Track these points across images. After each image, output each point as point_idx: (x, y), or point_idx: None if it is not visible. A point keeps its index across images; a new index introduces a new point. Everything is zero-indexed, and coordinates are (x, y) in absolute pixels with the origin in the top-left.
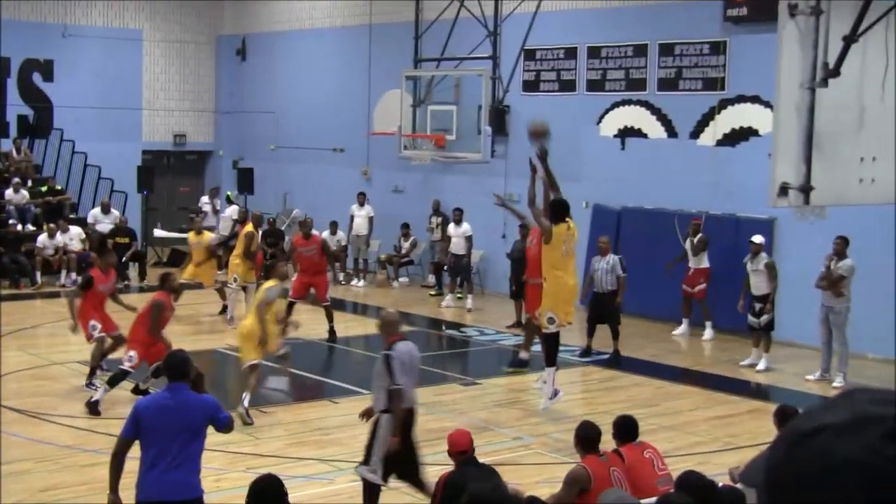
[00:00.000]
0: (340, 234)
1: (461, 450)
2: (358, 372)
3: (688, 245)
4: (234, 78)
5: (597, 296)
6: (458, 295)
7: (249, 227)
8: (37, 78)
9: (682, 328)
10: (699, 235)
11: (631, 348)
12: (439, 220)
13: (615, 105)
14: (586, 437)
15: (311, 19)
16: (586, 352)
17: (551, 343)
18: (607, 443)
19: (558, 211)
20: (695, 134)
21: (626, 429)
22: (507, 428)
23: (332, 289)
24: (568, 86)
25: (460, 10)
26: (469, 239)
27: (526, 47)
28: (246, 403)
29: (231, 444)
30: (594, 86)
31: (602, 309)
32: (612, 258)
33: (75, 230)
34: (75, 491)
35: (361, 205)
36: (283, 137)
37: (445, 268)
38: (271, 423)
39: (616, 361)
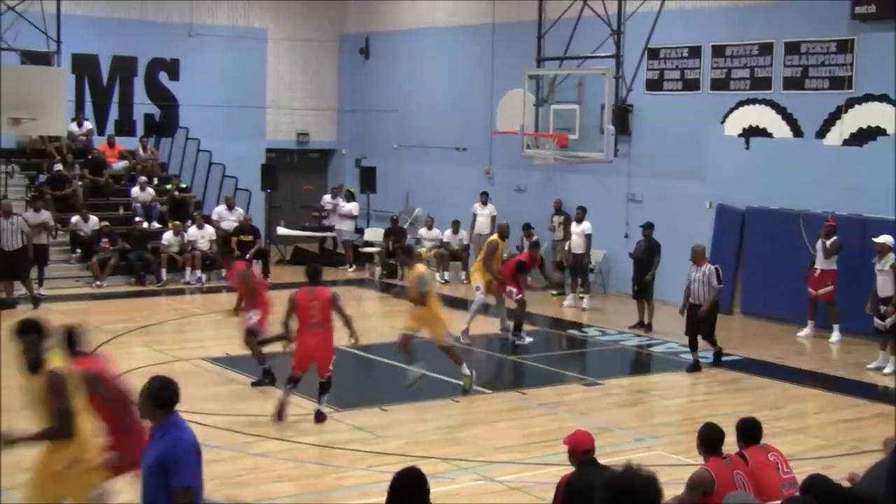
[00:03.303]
0: (462, 234)
1: (585, 450)
2: (479, 371)
3: (818, 246)
4: (358, 76)
5: (693, 307)
6: (580, 295)
7: (495, 237)
8: (163, 77)
9: (808, 330)
10: (833, 238)
11: (754, 350)
12: (561, 219)
13: (740, 104)
14: (709, 438)
15: (434, 18)
16: (695, 365)
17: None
18: (730, 445)
19: None
20: (821, 133)
21: (750, 431)
22: (628, 429)
23: (453, 287)
24: (692, 85)
25: (583, 8)
26: (588, 237)
27: (650, 46)
28: (466, 371)
29: (353, 443)
30: (718, 85)
31: (698, 320)
32: (707, 268)
33: (208, 229)
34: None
35: (484, 204)
36: (405, 136)
37: (567, 267)
38: (394, 422)
39: (718, 362)
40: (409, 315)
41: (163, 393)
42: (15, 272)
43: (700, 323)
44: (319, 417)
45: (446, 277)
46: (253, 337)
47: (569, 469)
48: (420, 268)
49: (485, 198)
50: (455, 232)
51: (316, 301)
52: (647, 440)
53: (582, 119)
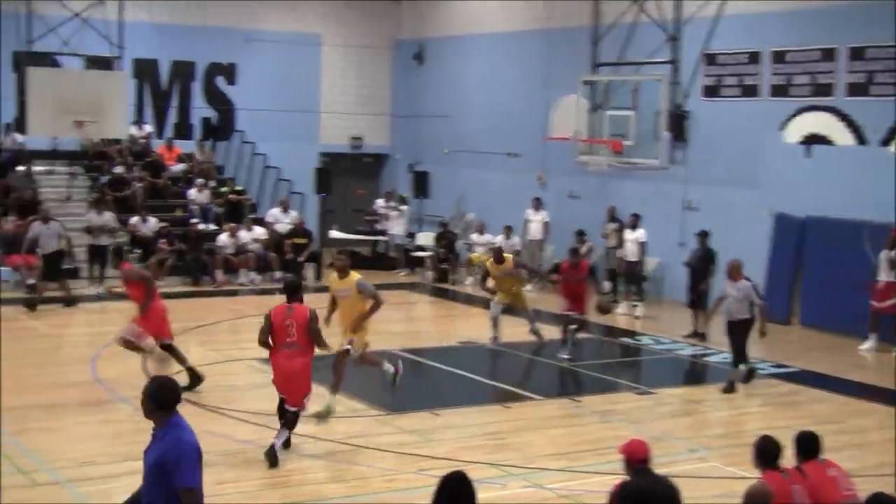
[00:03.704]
0: (515, 239)
1: (641, 458)
2: (530, 377)
3: (882, 257)
4: (411, 82)
5: (730, 325)
6: (634, 303)
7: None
8: (220, 81)
9: (870, 343)
10: None
11: (813, 362)
12: (615, 226)
13: (800, 111)
14: (766, 451)
15: (487, 24)
16: (749, 374)
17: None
18: (787, 459)
19: None
20: (886, 141)
21: (809, 445)
22: (682, 439)
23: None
24: (750, 91)
25: (639, 13)
26: (643, 245)
27: (707, 51)
28: (387, 367)
29: (403, 446)
30: (778, 91)
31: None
32: (744, 284)
33: (257, 231)
34: (250, 485)
35: (537, 210)
36: (458, 141)
37: (620, 275)
38: (444, 426)
39: (750, 377)
40: (344, 324)
41: (162, 393)
42: (54, 274)
43: (742, 337)
44: (271, 456)
45: None
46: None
47: (621, 478)
48: (356, 275)
49: (537, 203)
50: (507, 237)
51: (292, 320)
52: (700, 451)
53: (637, 125)
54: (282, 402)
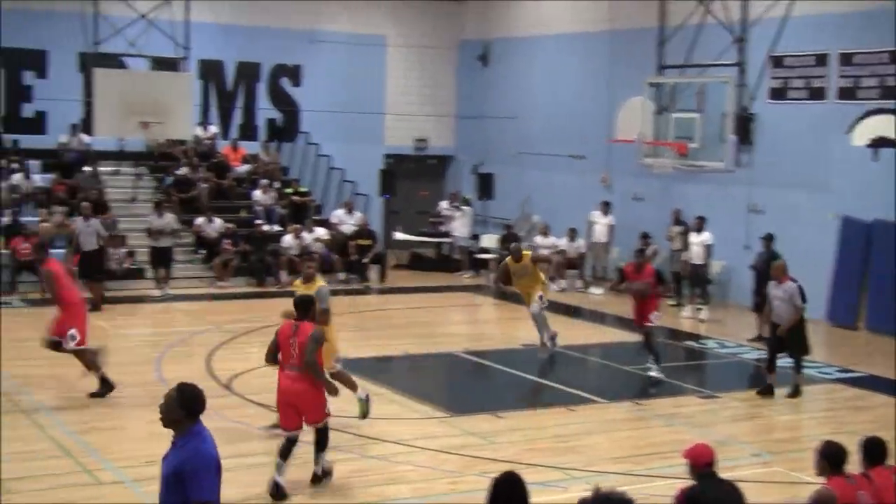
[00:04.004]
0: (579, 242)
1: (705, 463)
2: (594, 380)
3: None
4: (476, 83)
5: (775, 326)
6: (699, 306)
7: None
8: (285, 82)
9: None
10: None
11: (880, 367)
12: (680, 229)
13: (868, 114)
14: (832, 456)
15: (553, 25)
16: (768, 389)
17: None
18: (853, 465)
19: None
20: None
21: (875, 451)
22: (746, 444)
23: (569, 295)
24: (817, 94)
25: (706, 15)
26: (708, 248)
27: (774, 53)
28: (361, 395)
29: (466, 448)
30: (846, 94)
31: (781, 341)
32: (789, 286)
33: (318, 232)
34: (313, 486)
35: (605, 213)
36: (522, 143)
37: (685, 278)
38: (508, 429)
39: (796, 393)
40: None
41: (193, 401)
42: (90, 272)
43: (782, 342)
44: (316, 479)
45: (563, 285)
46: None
47: (685, 482)
48: (320, 282)
49: (606, 207)
50: (571, 240)
51: (296, 339)
52: (764, 456)
53: (702, 128)
54: (287, 445)
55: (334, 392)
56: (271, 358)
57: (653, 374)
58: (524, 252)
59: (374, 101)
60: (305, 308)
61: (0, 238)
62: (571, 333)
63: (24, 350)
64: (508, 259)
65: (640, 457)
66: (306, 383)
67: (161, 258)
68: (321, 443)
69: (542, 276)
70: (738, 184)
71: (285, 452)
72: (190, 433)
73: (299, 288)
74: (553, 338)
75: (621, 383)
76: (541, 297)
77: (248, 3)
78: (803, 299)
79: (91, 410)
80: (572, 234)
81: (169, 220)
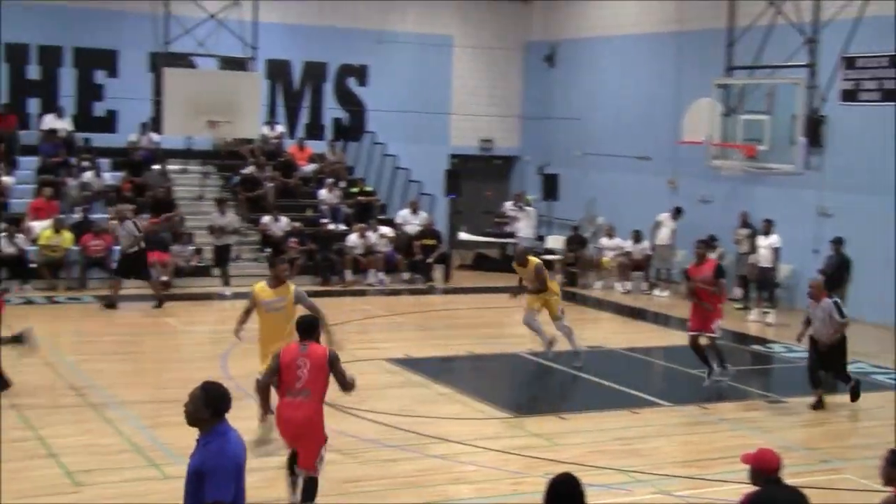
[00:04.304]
0: (644, 244)
1: (773, 468)
2: (659, 383)
3: None
4: (542, 84)
5: (814, 342)
6: (766, 310)
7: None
8: (351, 82)
9: None
10: None
11: None
12: (747, 231)
13: None
14: None
15: (620, 26)
16: (819, 403)
17: None
18: None
19: None
20: None
21: None
22: (813, 450)
23: (634, 298)
24: (890, 95)
25: (776, 16)
26: (776, 251)
27: (846, 55)
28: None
29: (530, 449)
30: None
31: (821, 357)
32: (826, 303)
33: (382, 231)
34: (377, 485)
35: (674, 219)
36: (588, 144)
37: (752, 281)
38: (571, 430)
39: (856, 397)
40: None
41: (220, 402)
42: (133, 272)
43: (824, 360)
44: None
45: (628, 287)
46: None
47: (750, 488)
48: (291, 286)
49: (677, 213)
50: (636, 241)
51: (306, 359)
52: (833, 462)
53: (772, 130)
54: (293, 457)
55: (350, 387)
56: (266, 382)
57: (715, 377)
58: (530, 258)
59: (440, 101)
60: (312, 328)
61: (71, 235)
62: (636, 336)
63: (94, 345)
64: (514, 262)
65: (704, 461)
66: (310, 411)
67: (221, 256)
68: (310, 492)
69: (555, 285)
70: (807, 187)
71: (309, 495)
72: (214, 432)
73: (264, 292)
74: (552, 343)
75: (686, 387)
76: (561, 311)
77: (315, 3)
78: (841, 314)
79: (160, 406)
80: (637, 236)
81: (231, 218)
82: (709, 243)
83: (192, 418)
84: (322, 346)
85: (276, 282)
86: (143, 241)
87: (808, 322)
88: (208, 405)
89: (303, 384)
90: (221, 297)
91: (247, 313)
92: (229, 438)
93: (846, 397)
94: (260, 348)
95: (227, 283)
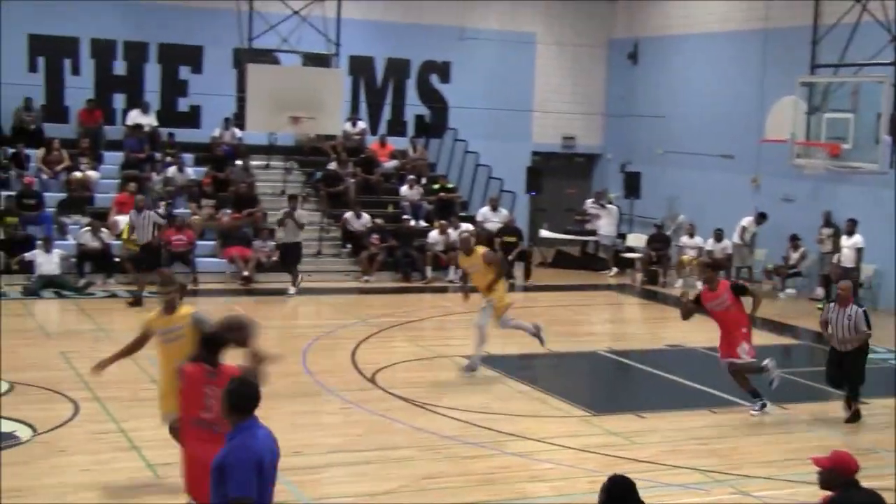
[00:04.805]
0: (726, 243)
1: (852, 471)
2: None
3: None
4: (625, 81)
5: (835, 353)
6: None
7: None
8: (434, 79)
9: None
10: None
11: None
12: (830, 231)
13: None
14: None
15: (704, 23)
16: (856, 415)
17: None
18: None
19: None
20: None
21: None
22: (891, 451)
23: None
24: None
25: (862, 13)
26: (859, 251)
27: None
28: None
29: (608, 448)
30: None
31: (840, 368)
32: (853, 310)
33: (463, 228)
34: (454, 481)
35: (757, 223)
36: (671, 142)
37: (834, 282)
38: (649, 429)
39: (856, 418)
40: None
41: (238, 396)
42: (147, 265)
43: (846, 369)
44: None
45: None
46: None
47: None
48: (186, 308)
49: (761, 218)
50: (718, 241)
51: (214, 386)
52: None
53: (856, 128)
54: None
55: None
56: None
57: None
58: (475, 247)
59: (522, 98)
60: (216, 345)
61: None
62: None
63: None
64: (459, 251)
65: (783, 462)
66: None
67: (291, 253)
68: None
69: (500, 284)
70: (891, 186)
71: None
72: (239, 429)
73: (158, 321)
74: (538, 329)
75: (765, 386)
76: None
77: (398, 1)
78: (868, 324)
79: None
80: (719, 235)
81: (301, 214)
82: (716, 265)
83: (222, 412)
84: (233, 367)
85: (168, 308)
86: (160, 230)
87: (826, 325)
88: (227, 398)
89: (212, 415)
90: (286, 293)
91: (135, 345)
92: (254, 434)
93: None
94: (160, 387)
95: (294, 282)
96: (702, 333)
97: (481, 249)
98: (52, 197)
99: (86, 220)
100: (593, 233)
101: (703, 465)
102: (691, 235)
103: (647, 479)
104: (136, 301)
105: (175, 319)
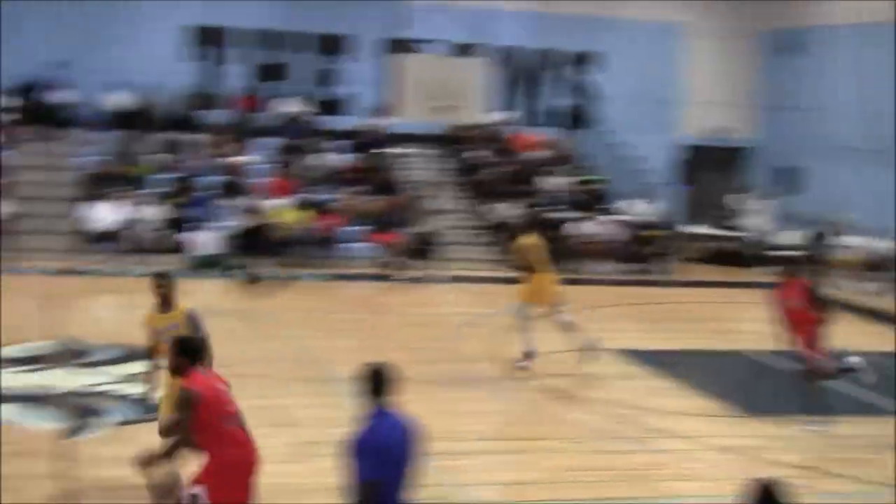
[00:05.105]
0: (888, 242)
1: None
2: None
3: None
4: (781, 73)
5: None
6: None
7: None
8: (582, 70)
9: None
10: None
11: None
12: None
13: None
14: None
15: (862, 13)
16: None
17: None
18: None
19: None
20: None
21: None
22: None
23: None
24: None
25: None
26: None
27: None
28: None
29: (756, 450)
30: None
31: None
32: None
33: (615, 219)
34: (596, 475)
35: None
36: (830, 136)
37: None
38: (800, 434)
39: None
40: None
41: (375, 383)
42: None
43: None
44: None
45: (873, 287)
46: None
47: None
48: (182, 306)
49: None
50: (881, 239)
51: (226, 386)
52: None
53: None
54: None
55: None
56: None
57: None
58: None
59: (673, 89)
60: (197, 353)
61: (305, 213)
62: (875, 339)
63: (322, 322)
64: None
65: None
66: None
67: (427, 241)
68: None
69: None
70: None
71: None
72: (372, 413)
73: (155, 319)
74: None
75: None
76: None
77: None
78: None
79: None
80: (884, 234)
81: (442, 201)
82: (794, 264)
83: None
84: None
85: (162, 304)
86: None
87: None
88: (365, 385)
89: (236, 407)
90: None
91: (154, 352)
92: (384, 419)
93: None
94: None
95: (427, 269)
96: (860, 337)
97: (530, 241)
98: (209, 181)
99: (238, 203)
100: (745, 228)
101: (853, 473)
102: (851, 234)
103: (799, 486)
104: (254, 279)
105: (172, 317)
